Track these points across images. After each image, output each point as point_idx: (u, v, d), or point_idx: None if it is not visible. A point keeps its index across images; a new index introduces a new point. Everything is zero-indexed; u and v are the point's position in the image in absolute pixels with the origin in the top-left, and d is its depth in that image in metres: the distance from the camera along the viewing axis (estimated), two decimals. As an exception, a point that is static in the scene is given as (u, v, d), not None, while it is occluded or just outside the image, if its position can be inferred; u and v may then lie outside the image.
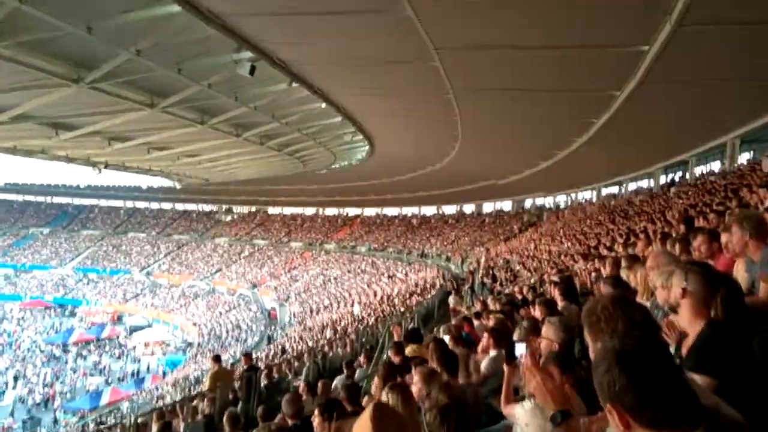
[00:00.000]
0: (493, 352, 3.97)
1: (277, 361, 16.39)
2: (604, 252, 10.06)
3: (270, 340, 32.15)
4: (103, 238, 58.77)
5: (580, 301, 5.28)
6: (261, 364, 16.40)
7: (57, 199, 64.14)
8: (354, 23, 9.03)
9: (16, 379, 31.91)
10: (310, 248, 49.73)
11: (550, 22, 7.90)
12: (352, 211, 54.44)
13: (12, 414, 27.50)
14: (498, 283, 16.57)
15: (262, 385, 9.25)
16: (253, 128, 23.63)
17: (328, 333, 23.40)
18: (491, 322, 5.35)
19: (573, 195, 35.72)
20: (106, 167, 29.70)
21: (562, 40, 8.64)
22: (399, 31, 8.68)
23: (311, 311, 34.84)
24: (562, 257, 14.87)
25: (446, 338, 4.70)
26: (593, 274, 6.81)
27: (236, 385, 8.43)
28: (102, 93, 16.56)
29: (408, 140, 23.06)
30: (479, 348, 4.94)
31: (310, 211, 56.97)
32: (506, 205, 42.57)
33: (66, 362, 35.33)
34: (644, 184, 26.75)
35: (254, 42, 10.79)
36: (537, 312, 4.13)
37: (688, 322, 1.96)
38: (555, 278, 6.87)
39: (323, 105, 17.48)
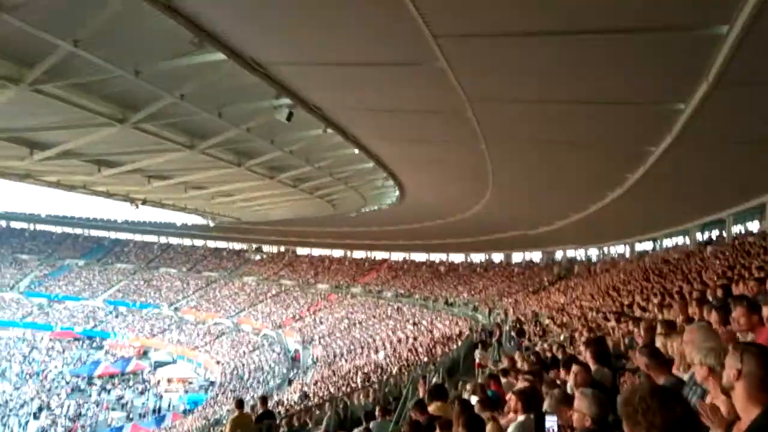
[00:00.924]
0: (521, 417, 3.81)
1: (299, 407, 16.15)
2: (638, 312, 9.74)
3: (291, 383, 31.80)
4: (136, 272, 59.87)
5: (613, 364, 5.08)
6: (282, 409, 16.17)
7: (94, 233, 65.91)
8: (389, 74, 9.24)
9: (40, 409, 32.15)
10: (336, 291, 49.62)
11: (584, 78, 7.94)
12: (379, 255, 54.38)
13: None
14: (526, 337, 16.15)
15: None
16: (287, 171, 24.12)
17: (351, 380, 23.02)
18: (519, 383, 5.17)
19: (605, 249, 35.00)
20: (144, 203, 30.53)
21: (598, 96, 8.65)
22: (433, 82, 8.84)
23: (334, 355, 34.44)
24: (594, 314, 14.46)
25: (472, 399, 4.54)
26: (627, 338, 6.57)
27: None
28: (145, 133, 17.22)
29: (438, 187, 23.13)
30: (506, 409, 4.77)
31: (338, 253, 57.13)
32: (536, 256, 41.89)
33: (90, 395, 35.52)
34: (679, 240, 26.08)
35: (293, 89, 11.11)
36: (572, 378, 3.97)
37: (742, 407, 1.84)
38: (587, 339, 6.65)
39: (356, 151, 17.77)
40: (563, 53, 7.14)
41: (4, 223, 64.68)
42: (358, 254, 55.96)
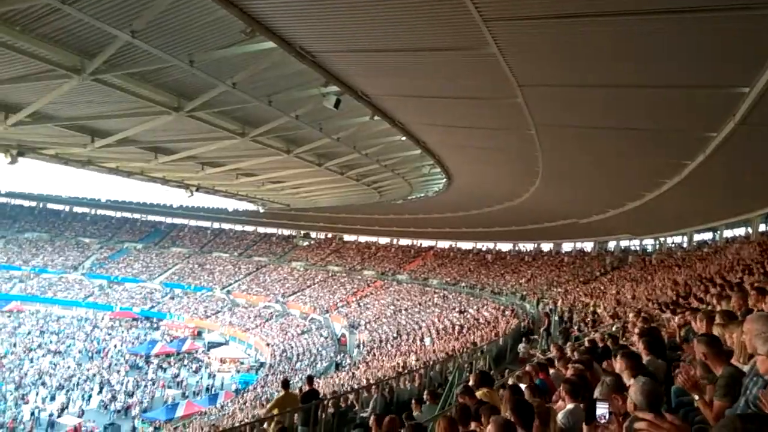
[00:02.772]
0: (570, 405, 3.77)
1: (345, 389, 16.43)
2: (695, 303, 9.39)
3: (338, 366, 32.34)
4: (190, 256, 62.03)
5: (667, 355, 4.94)
6: (328, 391, 16.50)
7: (151, 217, 68.51)
8: (439, 60, 9.17)
9: (101, 385, 33.93)
10: (382, 277, 49.95)
11: (639, 61, 7.65)
12: (425, 243, 54.32)
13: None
14: (576, 327, 15.84)
15: (329, 412, 9.29)
16: (334, 158, 24.38)
17: (397, 365, 23.20)
18: (569, 372, 5.10)
19: (662, 239, 33.76)
20: (197, 190, 31.53)
21: (654, 80, 8.32)
22: (483, 67, 8.72)
23: (380, 341, 34.77)
24: (648, 305, 14.02)
25: (521, 386, 4.52)
26: (683, 329, 6.36)
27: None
28: (198, 121, 17.76)
29: (486, 175, 22.85)
30: (554, 398, 4.72)
31: (384, 240, 57.43)
32: (587, 246, 40.85)
33: (147, 373, 37.18)
34: (741, 231, 24.86)
35: (341, 77, 11.20)
36: (618, 366, 3.89)
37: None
38: (640, 329, 6.47)
39: (403, 138, 17.76)
40: (616, 35, 6.90)
41: (67, 208, 68.03)
42: (404, 241, 56.09)
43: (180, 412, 28.07)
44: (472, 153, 18.74)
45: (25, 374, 34.63)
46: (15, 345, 40.73)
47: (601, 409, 2.29)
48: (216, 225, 66.99)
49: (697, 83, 8.22)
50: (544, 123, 11.75)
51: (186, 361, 40.17)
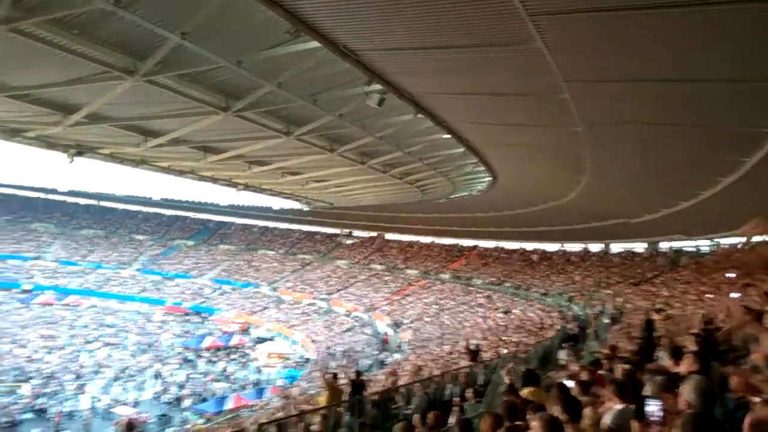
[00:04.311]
0: (618, 406, 3.68)
1: (388, 386, 16.47)
2: (755, 306, 8.96)
3: (382, 364, 32.48)
4: (238, 253, 63.62)
5: (723, 358, 4.76)
6: (372, 387, 16.58)
7: (200, 215, 70.60)
8: (481, 56, 9.07)
9: (155, 377, 35.21)
10: (425, 276, 49.84)
11: (690, 53, 7.35)
12: (468, 242, 53.87)
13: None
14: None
15: (371, 407, 9.36)
16: (377, 156, 24.49)
17: (440, 363, 23.11)
18: (618, 372, 4.97)
19: (717, 240, 32.36)
20: (244, 188, 32.27)
21: (706, 73, 7.99)
22: (528, 63, 8.57)
23: (423, 339, 34.73)
24: (705, 308, 13.49)
25: (570, 384, 4.44)
26: (741, 332, 6.09)
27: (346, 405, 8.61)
28: (246, 121, 18.17)
29: (532, 173, 22.45)
30: (603, 397, 4.61)
31: (426, 239, 57.28)
32: (638, 247, 39.57)
33: (197, 366, 38.36)
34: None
35: (384, 75, 11.23)
36: (669, 364, 3.77)
37: None
38: (695, 332, 6.24)
39: (447, 136, 17.67)
40: (666, 27, 6.64)
41: (121, 206, 70.85)
42: (447, 241, 55.78)
43: (229, 405, 28.80)
44: (516, 151, 18.45)
45: (83, 365, 36.24)
46: (74, 337, 42.71)
47: (653, 407, 2.22)
48: (262, 223, 68.39)
49: (754, 76, 7.83)
50: (592, 120, 11.46)
51: (234, 356, 41.19)
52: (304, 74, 14.22)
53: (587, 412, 3.45)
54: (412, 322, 40.27)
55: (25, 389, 30.42)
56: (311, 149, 22.48)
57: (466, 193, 32.42)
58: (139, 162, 24.94)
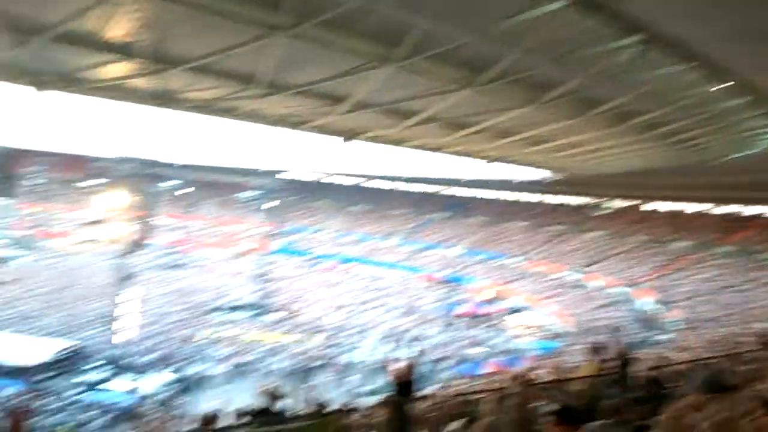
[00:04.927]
0: None
1: (658, 364, 15.16)
2: None
3: (646, 344, 29.89)
4: (487, 225, 65.00)
5: None
6: (640, 368, 15.48)
7: (451, 190, 73.76)
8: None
9: (415, 340, 38.53)
10: (697, 249, 43.83)
11: None
12: (749, 210, 45.34)
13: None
14: None
15: (639, 383, 8.80)
16: (634, 117, 22.22)
17: (721, 347, 20.29)
18: None
19: None
20: (492, 161, 32.69)
21: None
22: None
23: (696, 320, 30.82)
24: None
25: None
26: None
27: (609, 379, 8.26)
28: (491, 93, 18.33)
29: None
30: None
31: (696, 207, 50.06)
32: None
33: (453, 331, 40.73)
34: None
35: (642, 24, 10.16)
36: None
37: None
38: None
39: (724, 86, 15.14)
40: None
41: (384, 184, 78.15)
42: (724, 209, 47.83)
43: (484, 370, 29.98)
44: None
45: (359, 324, 41.58)
46: (351, 299, 49.26)
47: None
48: (511, 195, 68.30)
49: None
50: None
51: (486, 324, 42.54)
52: (550, 37, 13.68)
53: None
54: (682, 299, 35.97)
55: (316, 341, 36.28)
56: (560, 115, 21.58)
57: (747, 152, 27.30)
58: (398, 142, 27.18)
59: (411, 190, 76.43)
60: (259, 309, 42.02)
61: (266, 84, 16.91)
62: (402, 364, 6.51)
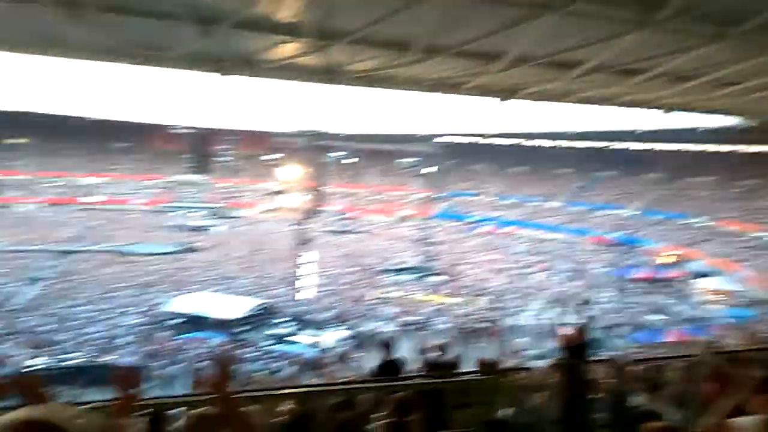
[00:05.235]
0: None
1: None
2: None
3: None
4: (666, 181, 58.99)
5: None
6: None
7: (622, 144, 68.02)
8: None
9: (585, 303, 36.83)
10: None
11: None
12: None
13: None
14: None
15: None
16: None
17: None
18: None
19: None
20: (671, 110, 29.42)
21: None
22: None
23: None
24: None
25: None
26: None
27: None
28: (669, 32, 16.38)
29: None
30: None
31: None
32: None
33: (627, 296, 38.16)
34: None
35: None
36: None
37: None
38: None
39: None
40: None
41: (545, 142, 74.69)
42: None
43: (665, 338, 27.78)
44: None
45: (522, 287, 40.90)
46: (513, 262, 48.51)
47: None
48: (694, 147, 60.93)
49: None
50: None
51: (667, 290, 39.09)
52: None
53: None
54: None
55: (479, 304, 36.52)
56: (753, 51, 18.59)
57: None
58: (562, 96, 25.70)
59: (576, 146, 71.95)
60: (422, 272, 43.42)
61: (422, 49, 17.00)
62: (572, 329, 6.34)
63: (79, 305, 31.03)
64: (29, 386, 1.97)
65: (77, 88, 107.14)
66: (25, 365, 21.84)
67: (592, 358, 6.05)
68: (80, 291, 33.92)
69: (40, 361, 22.35)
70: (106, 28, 4.51)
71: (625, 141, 65.51)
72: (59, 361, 22.00)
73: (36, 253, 43.91)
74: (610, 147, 68.98)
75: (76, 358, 22.28)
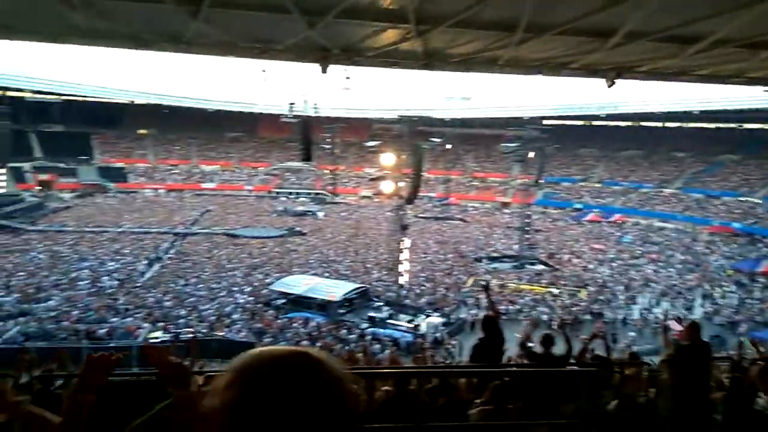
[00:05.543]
0: None
1: None
2: None
3: None
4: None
5: None
6: None
7: (750, 125, 61.75)
8: None
9: (703, 297, 34.03)
10: None
11: None
12: None
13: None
14: None
15: None
16: None
17: None
18: None
19: None
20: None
21: None
22: None
23: None
24: None
25: None
26: None
27: None
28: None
29: None
30: None
31: None
32: None
33: (752, 291, 34.83)
34: None
35: None
36: None
37: None
38: None
39: None
40: None
41: (660, 124, 69.39)
42: None
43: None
44: None
45: (631, 278, 38.55)
46: (621, 252, 45.87)
47: None
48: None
49: None
50: None
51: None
52: None
53: None
54: None
55: (583, 294, 34.97)
56: None
57: None
58: (678, 74, 23.79)
59: (697, 128, 66.22)
60: (521, 260, 42.30)
61: (524, 28, 16.41)
62: (684, 325, 5.93)
63: (193, 284, 33.52)
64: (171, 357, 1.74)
65: (192, 81, 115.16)
66: (149, 337, 24.03)
67: (707, 356, 5.61)
68: (195, 271, 36.59)
69: (159, 335, 24.45)
70: (219, 23, 4.78)
71: (757, 121, 59.30)
72: (176, 335, 23.91)
73: (156, 234, 47.95)
74: (742, 127, 62.53)
75: (191, 333, 24.08)
